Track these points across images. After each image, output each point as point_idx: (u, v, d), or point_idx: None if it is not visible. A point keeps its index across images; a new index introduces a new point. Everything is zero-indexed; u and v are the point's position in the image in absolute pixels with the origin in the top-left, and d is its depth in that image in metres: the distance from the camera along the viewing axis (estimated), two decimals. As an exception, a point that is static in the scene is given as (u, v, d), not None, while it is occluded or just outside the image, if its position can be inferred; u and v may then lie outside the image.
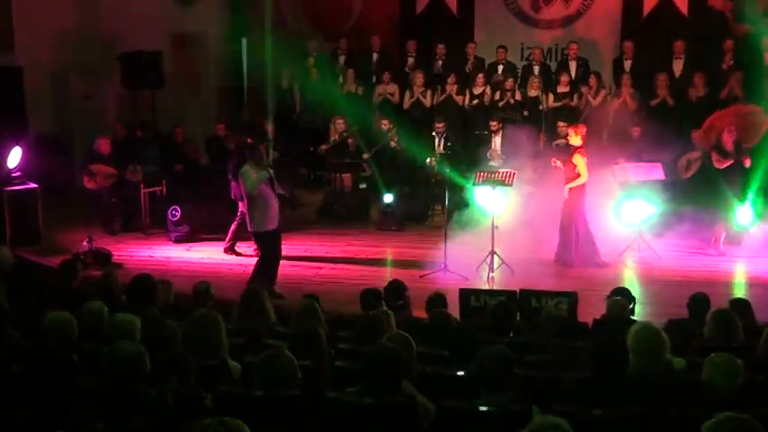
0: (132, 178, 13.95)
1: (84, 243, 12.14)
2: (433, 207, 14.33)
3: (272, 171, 10.76)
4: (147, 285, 7.73)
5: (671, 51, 15.49)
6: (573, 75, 15.77)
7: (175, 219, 13.36)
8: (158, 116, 16.09)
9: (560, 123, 14.50)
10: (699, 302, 7.61)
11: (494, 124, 14.55)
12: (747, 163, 12.34)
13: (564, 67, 15.94)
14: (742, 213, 12.46)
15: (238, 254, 12.43)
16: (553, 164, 11.96)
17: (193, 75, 16.97)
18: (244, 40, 17.60)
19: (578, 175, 11.66)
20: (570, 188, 11.71)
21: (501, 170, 11.78)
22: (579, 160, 11.63)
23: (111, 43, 16.14)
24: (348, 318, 7.90)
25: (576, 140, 11.75)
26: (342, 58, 16.77)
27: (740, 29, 15.86)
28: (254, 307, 7.43)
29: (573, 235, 11.81)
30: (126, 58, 15.83)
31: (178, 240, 13.22)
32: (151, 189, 14.32)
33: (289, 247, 12.91)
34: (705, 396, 5.09)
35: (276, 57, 16.11)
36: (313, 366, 5.82)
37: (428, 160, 14.41)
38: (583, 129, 11.95)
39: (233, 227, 12.45)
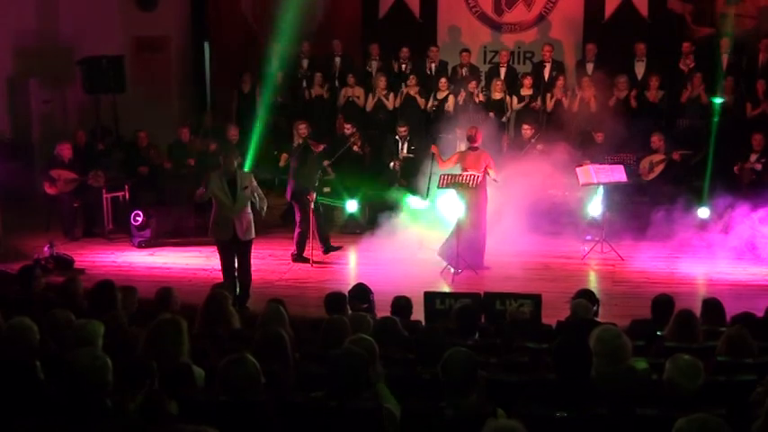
0: (94, 183, 13.84)
1: (45, 249, 12.03)
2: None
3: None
4: (110, 291, 7.68)
5: (632, 54, 15.63)
6: (546, 77, 15.84)
7: (138, 224, 13.28)
8: (121, 121, 15.98)
9: (525, 126, 14.59)
10: (662, 304, 7.67)
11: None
12: None
13: (539, 69, 16.02)
14: (701, 214, 12.67)
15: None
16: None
17: (156, 79, 16.87)
18: (206, 44, 17.59)
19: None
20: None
21: (465, 173, 11.82)
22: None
23: (71, 48, 16.02)
24: (313, 321, 7.88)
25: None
26: (305, 62, 16.73)
27: (699, 31, 16.07)
28: (218, 312, 7.41)
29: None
30: (86, 63, 15.72)
31: (141, 245, 13.15)
32: (114, 194, 14.21)
33: (253, 251, 12.89)
34: (667, 397, 5.14)
35: (239, 61, 16.10)
36: (278, 371, 5.80)
37: (392, 164, 14.45)
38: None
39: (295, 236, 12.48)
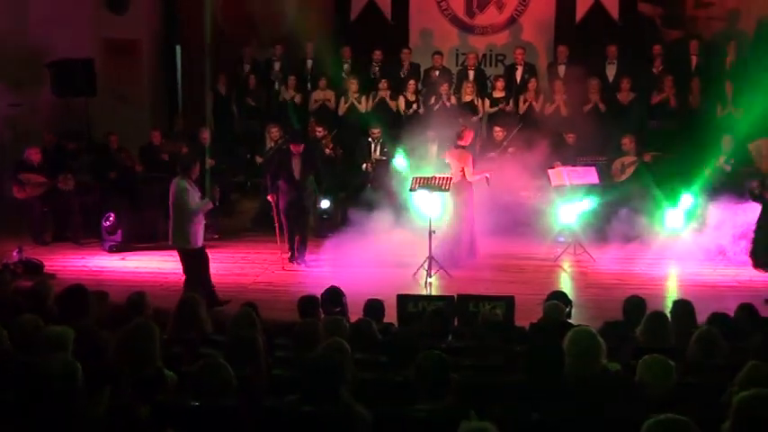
0: (64, 187, 13.74)
1: (14, 253, 11.91)
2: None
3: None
4: (80, 296, 7.62)
5: (604, 56, 15.70)
6: (518, 80, 15.89)
7: (109, 228, 13.19)
8: (92, 124, 15.86)
9: (497, 128, 14.64)
10: (634, 305, 7.72)
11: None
12: None
13: (511, 72, 16.06)
14: (672, 216, 12.76)
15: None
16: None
17: (127, 82, 16.76)
18: (178, 47, 17.49)
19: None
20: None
21: (437, 175, 11.84)
22: None
23: (41, 50, 15.87)
24: (286, 325, 7.86)
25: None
26: (277, 65, 16.70)
27: (670, 34, 16.18)
28: (190, 316, 7.37)
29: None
30: (56, 66, 15.58)
31: (112, 250, 13.06)
32: (84, 198, 14.10)
33: (225, 255, 12.89)
34: (639, 397, 5.17)
35: (212, 63, 16.03)
36: (250, 375, 5.78)
37: (364, 165, 14.45)
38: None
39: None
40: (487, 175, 12.17)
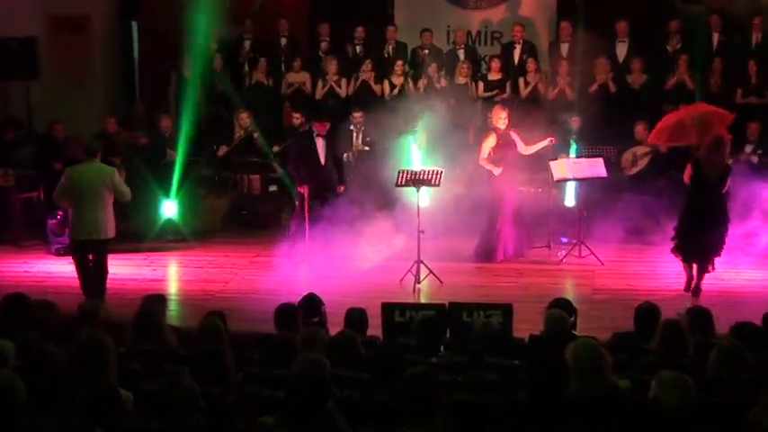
0: (3, 183, 13.66)
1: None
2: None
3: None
4: (21, 305, 7.60)
5: (613, 33, 15.73)
6: (516, 60, 15.93)
7: (55, 228, 13.13)
8: (34, 111, 15.77)
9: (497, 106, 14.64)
10: (646, 313, 7.73)
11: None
12: None
13: (508, 51, 16.09)
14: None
15: None
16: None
17: (76, 63, 16.68)
18: (134, 24, 17.42)
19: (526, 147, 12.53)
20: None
21: (426, 168, 11.86)
22: (516, 135, 12.50)
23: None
24: (258, 338, 7.86)
25: (504, 124, 12.48)
26: (247, 44, 16.68)
27: (687, 8, 16.20)
28: (150, 328, 7.36)
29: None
30: (-8, 46, 15.49)
31: (59, 253, 12.97)
32: (26, 195, 14.03)
33: (191, 258, 12.89)
34: (652, 418, 5.19)
35: (172, 42, 15.99)
36: (217, 393, 5.79)
37: (345, 156, 14.44)
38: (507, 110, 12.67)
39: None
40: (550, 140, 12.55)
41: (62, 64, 16.33)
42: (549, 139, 12.48)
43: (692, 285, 11.16)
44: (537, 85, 15.42)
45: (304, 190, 12.43)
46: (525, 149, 12.48)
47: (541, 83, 15.48)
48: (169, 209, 13.78)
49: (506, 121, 12.41)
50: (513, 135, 12.46)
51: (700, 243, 11.08)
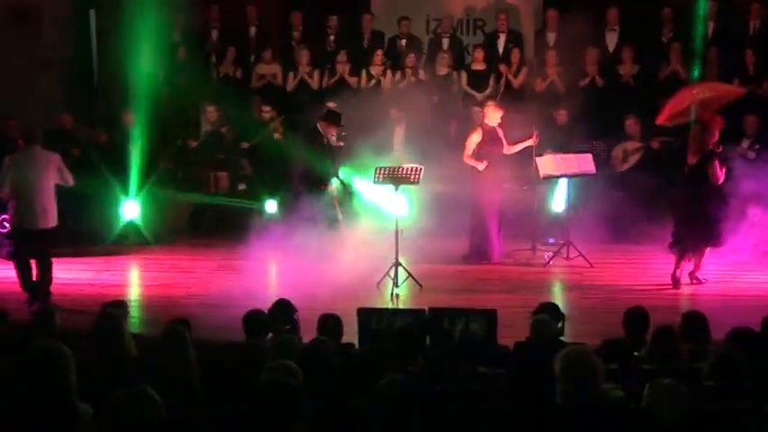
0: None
1: None
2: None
3: None
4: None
5: (603, 22, 15.76)
6: (501, 50, 15.96)
7: (6, 230, 13.04)
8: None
9: (475, 108, 14.67)
10: (636, 318, 7.74)
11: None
12: None
13: (492, 40, 16.11)
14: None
15: None
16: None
17: (27, 56, 16.56)
18: (92, 12, 17.32)
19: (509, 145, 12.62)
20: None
21: (405, 165, 11.85)
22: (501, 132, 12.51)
23: None
24: (226, 347, 7.84)
25: (495, 121, 12.57)
26: (214, 33, 16.63)
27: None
28: (110, 336, 7.32)
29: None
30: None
31: (11, 257, 12.87)
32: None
33: (154, 262, 12.84)
34: (645, 429, 5.19)
35: (134, 32, 15.89)
36: (182, 406, 5.76)
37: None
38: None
39: None
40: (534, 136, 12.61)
41: (11, 56, 16.19)
42: (532, 138, 12.46)
43: (672, 274, 11.42)
44: (516, 78, 15.42)
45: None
46: (507, 149, 12.50)
47: (522, 74, 15.49)
48: (130, 210, 13.73)
49: (497, 121, 12.53)
50: (500, 133, 12.50)
51: (689, 234, 11.26)
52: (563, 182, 13.02)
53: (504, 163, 12.72)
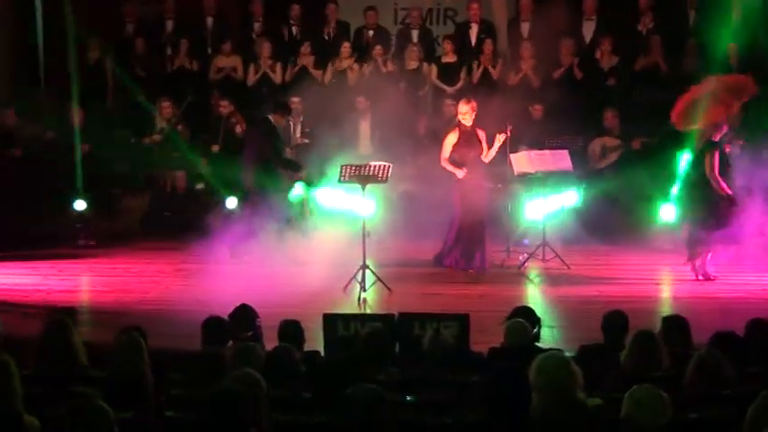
0: None
1: None
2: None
3: None
4: None
5: (579, 11, 15.81)
6: (473, 41, 15.99)
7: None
8: None
9: (448, 102, 14.69)
10: (614, 323, 7.77)
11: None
12: None
13: (464, 31, 16.12)
14: (666, 210, 12.93)
15: None
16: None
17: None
18: (38, 0, 17.20)
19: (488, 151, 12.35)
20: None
21: (372, 163, 11.84)
22: (483, 135, 12.31)
23: None
24: (183, 356, 7.82)
25: (470, 119, 12.23)
26: (169, 24, 16.59)
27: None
28: (59, 345, 7.28)
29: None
30: None
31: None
32: None
33: (105, 266, 12.78)
34: (625, 438, 5.22)
35: (82, 22, 15.81)
36: (136, 418, 5.74)
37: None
38: (475, 104, 12.35)
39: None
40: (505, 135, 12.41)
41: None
42: (502, 136, 12.36)
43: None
44: (495, 69, 15.46)
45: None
46: (484, 155, 12.39)
47: (495, 67, 15.53)
48: (80, 209, 13.66)
49: (471, 117, 12.26)
50: (481, 136, 12.35)
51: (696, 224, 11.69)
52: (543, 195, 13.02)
53: (483, 164, 12.58)
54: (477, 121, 12.34)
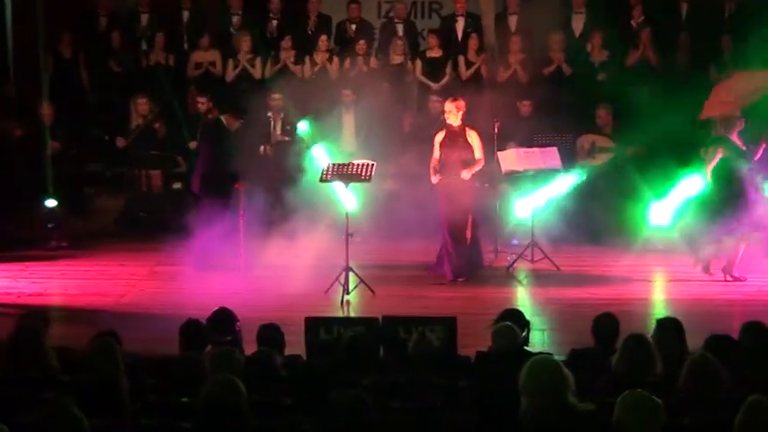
0: None
1: None
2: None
3: None
4: None
5: (568, 4, 15.84)
6: (459, 35, 15.99)
7: None
8: None
9: (434, 98, 14.68)
10: (605, 326, 7.78)
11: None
12: None
13: (449, 25, 16.12)
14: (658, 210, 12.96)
15: None
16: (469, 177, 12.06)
17: None
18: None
19: (478, 159, 12.08)
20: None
21: (356, 162, 11.83)
22: (475, 138, 12.04)
23: None
24: (159, 361, 7.80)
25: (456, 119, 11.97)
26: (145, 17, 16.55)
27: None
28: (29, 350, 7.26)
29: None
30: None
31: None
32: None
33: (78, 268, 12.73)
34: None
35: (55, 14, 15.76)
36: (110, 426, 5.72)
37: (262, 148, 14.39)
38: (463, 103, 12.10)
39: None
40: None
41: None
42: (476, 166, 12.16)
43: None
44: (481, 64, 15.47)
45: (242, 186, 12.51)
46: (464, 173, 12.09)
47: (486, 62, 15.53)
48: (52, 212, 13.62)
49: (457, 116, 12.01)
50: (471, 138, 12.09)
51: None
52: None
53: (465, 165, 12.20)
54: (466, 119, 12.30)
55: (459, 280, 12.12)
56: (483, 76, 15.61)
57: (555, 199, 13.13)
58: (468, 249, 12.25)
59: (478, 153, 12.09)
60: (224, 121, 12.89)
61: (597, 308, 9.02)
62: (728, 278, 11.87)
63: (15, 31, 16.92)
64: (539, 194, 12.95)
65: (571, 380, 5.65)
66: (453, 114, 12.02)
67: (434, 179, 12.06)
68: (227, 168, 12.67)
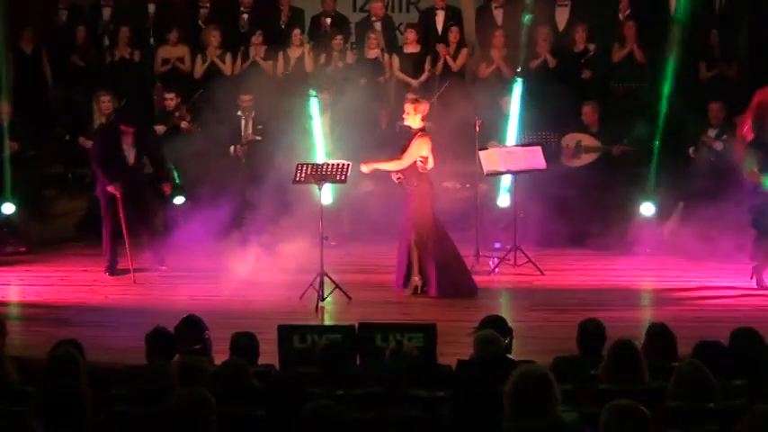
0: None
1: None
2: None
3: None
4: None
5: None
6: (439, 29, 16.01)
7: None
8: None
9: (411, 96, 14.68)
10: (591, 333, 7.80)
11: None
12: None
13: (428, 19, 16.14)
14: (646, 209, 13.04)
15: None
16: (396, 180, 11.77)
17: None
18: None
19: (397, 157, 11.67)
20: (412, 184, 11.67)
21: (330, 162, 11.84)
22: (423, 145, 11.56)
23: None
24: (125, 370, 7.79)
25: (414, 121, 11.63)
26: (107, 11, 16.52)
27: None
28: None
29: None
30: None
31: None
32: None
33: (37, 274, 12.71)
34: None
35: (17, 10, 15.72)
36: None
37: (232, 149, 14.39)
38: (424, 106, 11.79)
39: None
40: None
41: None
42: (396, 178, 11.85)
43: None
44: (461, 59, 15.50)
45: (115, 190, 12.48)
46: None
47: (462, 56, 15.57)
48: (8, 212, 13.60)
49: (412, 119, 11.59)
50: (414, 143, 11.60)
51: None
52: (507, 177, 13.09)
53: (420, 176, 11.67)
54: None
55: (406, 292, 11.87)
56: (463, 72, 15.63)
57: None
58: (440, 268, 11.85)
59: (405, 155, 11.59)
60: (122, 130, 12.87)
61: (581, 314, 9.05)
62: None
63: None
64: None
65: (558, 389, 5.67)
66: (411, 116, 11.60)
67: (395, 176, 11.73)
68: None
